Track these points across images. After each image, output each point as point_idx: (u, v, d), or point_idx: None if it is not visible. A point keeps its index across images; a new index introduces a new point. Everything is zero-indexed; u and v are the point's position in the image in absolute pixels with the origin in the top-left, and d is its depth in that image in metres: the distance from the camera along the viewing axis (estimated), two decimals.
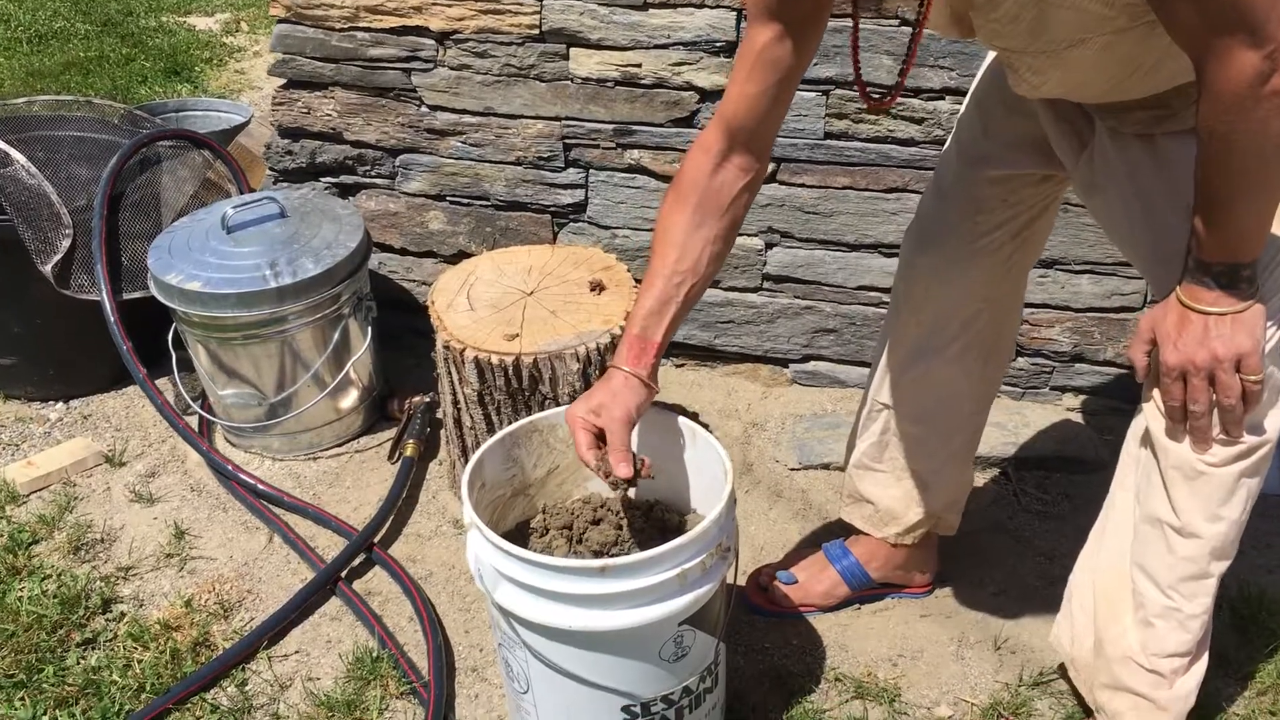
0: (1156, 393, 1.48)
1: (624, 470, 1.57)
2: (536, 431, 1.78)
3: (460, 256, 2.72)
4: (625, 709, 1.63)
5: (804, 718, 1.85)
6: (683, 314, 1.62)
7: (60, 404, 2.72)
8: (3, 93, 4.36)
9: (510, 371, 2.03)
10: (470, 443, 2.19)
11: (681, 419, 1.76)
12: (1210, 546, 1.53)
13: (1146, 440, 1.55)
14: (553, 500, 1.84)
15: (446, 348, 2.09)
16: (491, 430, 2.13)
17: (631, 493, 1.66)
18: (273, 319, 2.33)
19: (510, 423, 2.11)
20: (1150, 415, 1.52)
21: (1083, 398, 2.59)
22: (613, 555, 1.74)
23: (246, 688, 1.94)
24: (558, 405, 2.08)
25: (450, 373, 2.13)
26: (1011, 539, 2.24)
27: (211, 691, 1.93)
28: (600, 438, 1.60)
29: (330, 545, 2.25)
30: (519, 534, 1.80)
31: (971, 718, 1.86)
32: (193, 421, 2.56)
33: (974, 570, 2.15)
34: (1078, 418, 2.55)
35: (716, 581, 1.58)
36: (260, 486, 2.37)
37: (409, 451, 2.40)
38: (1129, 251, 1.64)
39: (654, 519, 1.80)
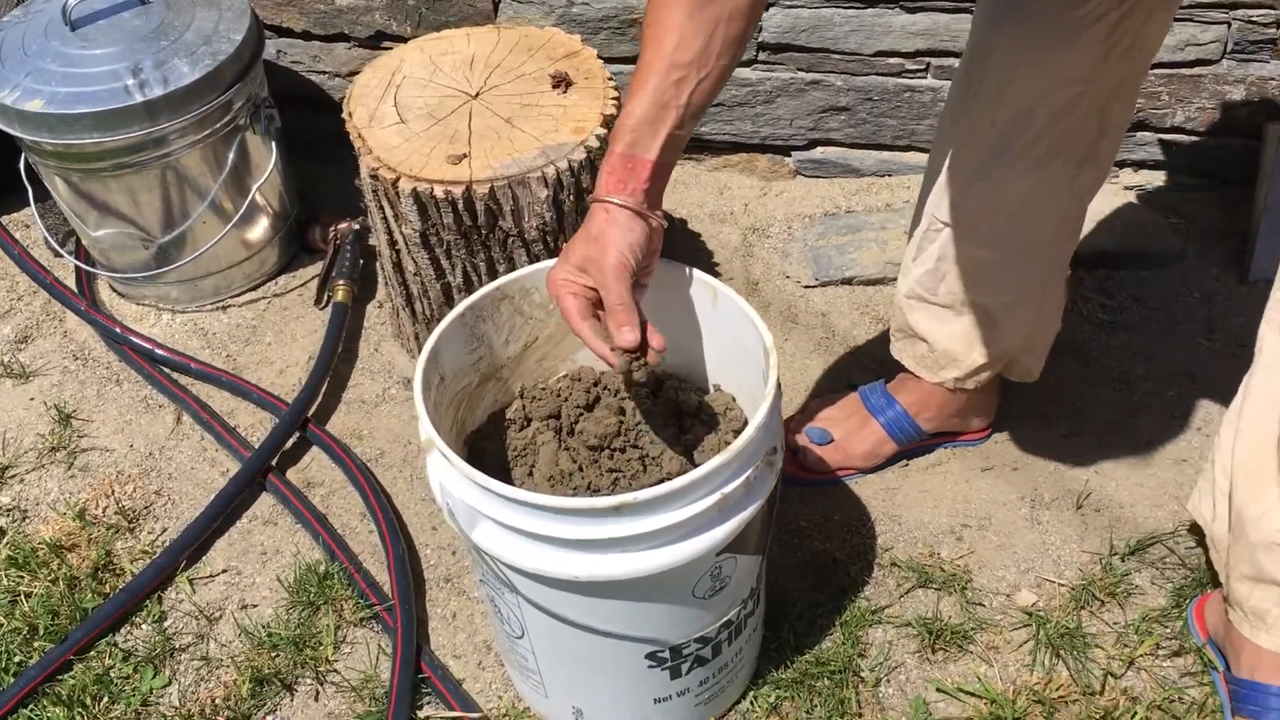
0: None
1: (628, 336, 1.16)
2: (506, 299, 1.35)
3: (381, 39, 2.18)
4: (652, 655, 1.28)
5: (860, 621, 1.51)
6: (688, 123, 1.16)
7: None
8: None
9: (461, 205, 1.56)
10: (416, 290, 1.74)
11: (699, 273, 1.32)
12: None
13: None
14: (532, 380, 1.43)
15: (375, 177, 1.61)
16: (441, 275, 1.68)
17: (641, 374, 1.23)
18: (147, 141, 1.82)
19: (466, 267, 1.67)
20: None
21: (1144, 173, 2.17)
22: (615, 450, 1.34)
23: (165, 624, 1.56)
24: (523, 244, 1.63)
25: (382, 208, 1.65)
26: (1077, 361, 1.86)
27: (121, 631, 1.55)
28: (598, 303, 1.18)
29: (254, 423, 1.83)
30: (493, 429, 1.40)
31: (1060, 602, 1.54)
32: (69, 270, 2.08)
33: (1037, 405, 1.78)
34: (1140, 199, 2.13)
35: (763, 497, 1.20)
36: (159, 352, 1.92)
37: (340, 295, 1.95)
38: None
39: (665, 399, 1.39)
